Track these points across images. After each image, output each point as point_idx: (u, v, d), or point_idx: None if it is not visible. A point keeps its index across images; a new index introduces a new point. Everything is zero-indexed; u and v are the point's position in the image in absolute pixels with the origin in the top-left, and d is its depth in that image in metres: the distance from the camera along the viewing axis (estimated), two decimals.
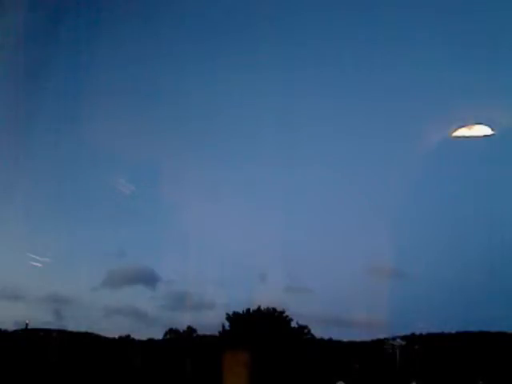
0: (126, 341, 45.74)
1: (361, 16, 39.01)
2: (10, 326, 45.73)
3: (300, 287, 44.36)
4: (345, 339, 44.98)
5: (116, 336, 46.52)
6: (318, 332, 42.74)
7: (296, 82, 39.92)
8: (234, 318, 41.18)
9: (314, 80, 40.74)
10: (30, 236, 42.21)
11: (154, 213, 46.00)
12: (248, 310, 41.26)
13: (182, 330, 45.41)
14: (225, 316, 41.10)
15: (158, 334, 46.11)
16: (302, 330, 42.05)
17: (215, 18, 39.45)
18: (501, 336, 40.46)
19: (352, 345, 44.78)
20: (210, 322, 43.31)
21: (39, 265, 40.11)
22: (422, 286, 39.42)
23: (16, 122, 29.01)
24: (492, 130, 31.13)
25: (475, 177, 38.86)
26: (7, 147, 30.01)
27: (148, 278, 49.17)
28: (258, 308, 41.35)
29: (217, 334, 41.20)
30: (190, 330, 45.05)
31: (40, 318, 49.41)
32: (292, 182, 43.02)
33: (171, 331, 45.49)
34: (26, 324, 43.87)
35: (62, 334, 44.01)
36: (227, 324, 41.18)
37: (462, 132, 31.77)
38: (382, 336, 44.12)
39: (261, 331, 38.48)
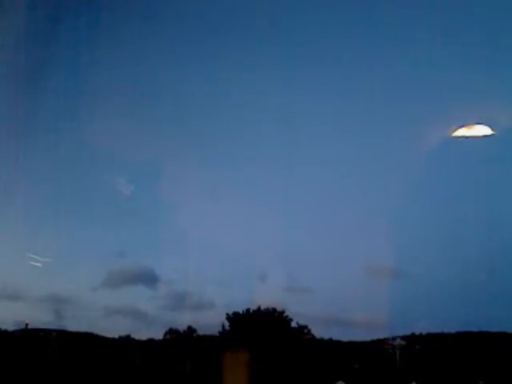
0: (126, 341, 45.72)
1: (361, 16, 39.00)
2: (9, 326, 45.78)
3: (300, 287, 44.40)
4: (345, 339, 45.03)
5: (116, 336, 46.60)
6: (318, 332, 42.86)
7: (296, 82, 39.91)
8: (234, 318, 41.24)
9: (314, 80, 40.74)
10: (30, 236, 42.23)
11: (154, 213, 45.95)
12: (248, 310, 41.34)
13: (182, 330, 45.45)
14: (225, 316, 41.28)
15: (158, 334, 46.14)
16: (302, 330, 42.09)
17: (215, 18, 39.44)
18: (501, 336, 40.45)
19: (352, 345, 44.75)
20: (210, 322, 43.44)
21: (39, 265, 40.20)
22: (422, 286, 39.43)
23: (16, 122, 29.00)
24: (492, 129, 31.25)
25: (475, 177, 38.90)
26: (7, 147, 29.96)
27: (148, 278, 49.20)
28: (258, 308, 41.43)
29: (217, 333, 41.29)
30: (190, 330, 45.07)
31: (40, 318, 49.33)
32: (292, 182, 43.04)
33: (171, 331, 45.48)
34: (26, 324, 43.93)
35: (62, 334, 43.97)
36: (227, 324, 41.30)
37: (462, 132, 31.86)
38: (382, 336, 44.19)
39: (261, 331, 38.51)
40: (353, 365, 42.68)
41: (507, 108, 33.54)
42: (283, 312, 41.59)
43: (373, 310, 37.63)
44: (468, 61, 37.70)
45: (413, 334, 44.44)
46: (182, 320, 44.90)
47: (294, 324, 41.84)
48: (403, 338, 43.08)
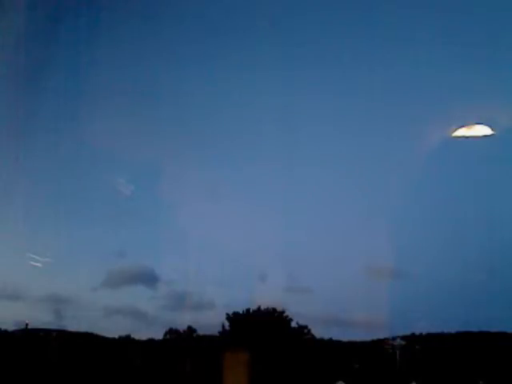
0: (126, 341, 45.73)
1: (361, 16, 39.00)
2: (9, 326, 45.81)
3: (300, 287, 44.42)
4: (345, 339, 45.05)
5: (116, 336, 46.62)
6: (318, 332, 42.88)
7: (296, 82, 39.92)
8: (234, 317, 41.24)
9: (313, 80, 40.75)
10: (30, 236, 42.24)
11: (154, 213, 45.97)
12: (248, 310, 41.35)
13: (182, 330, 45.45)
14: (225, 316, 41.29)
15: (158, 334, 46.17)
16: (302, 330, 42.09)
17: (215, 17, 39.44)
18: (501, 336, 40.46)
19: (352, 345, 44.76)
20: (210, 322, 43.47)
21: (39, 265, 40.21)
22: (422, 286, 39.44)
23: (16, 122, 28.99)
24: (492, 129, 31.25)
25: (475, 177, 38.92)
26: (7, 147, 29.94)
27: (148, 278, 49.26)
28: (258, 308, 41.44)
29: (217, 333, 41.29)
30: (190, 330, 45.08)
31: (40, 317, 49.41)
32: (292, 182, 43.06)
33: (171, 331, 45.49)
34: (26, 324, 43.94)
35: (62, 334, 43.98)
36: (227, 324, 41.30)
37: (462, 132, 31.86)
38: (382, 336, 44.20)
39: (261, 331, 38.51)
40: (353, 365, 42.69)
41: (507, 108, 33.57)
42: (283, 312, 41.62)
43: (373, 310, 37.66)
44: (468, 61, 37.75)
45: (413, 334, 44.48)
46: (182, 320, 44.98)
47: (294, 324, 41.92)
48: (403, 338, 43.08)
